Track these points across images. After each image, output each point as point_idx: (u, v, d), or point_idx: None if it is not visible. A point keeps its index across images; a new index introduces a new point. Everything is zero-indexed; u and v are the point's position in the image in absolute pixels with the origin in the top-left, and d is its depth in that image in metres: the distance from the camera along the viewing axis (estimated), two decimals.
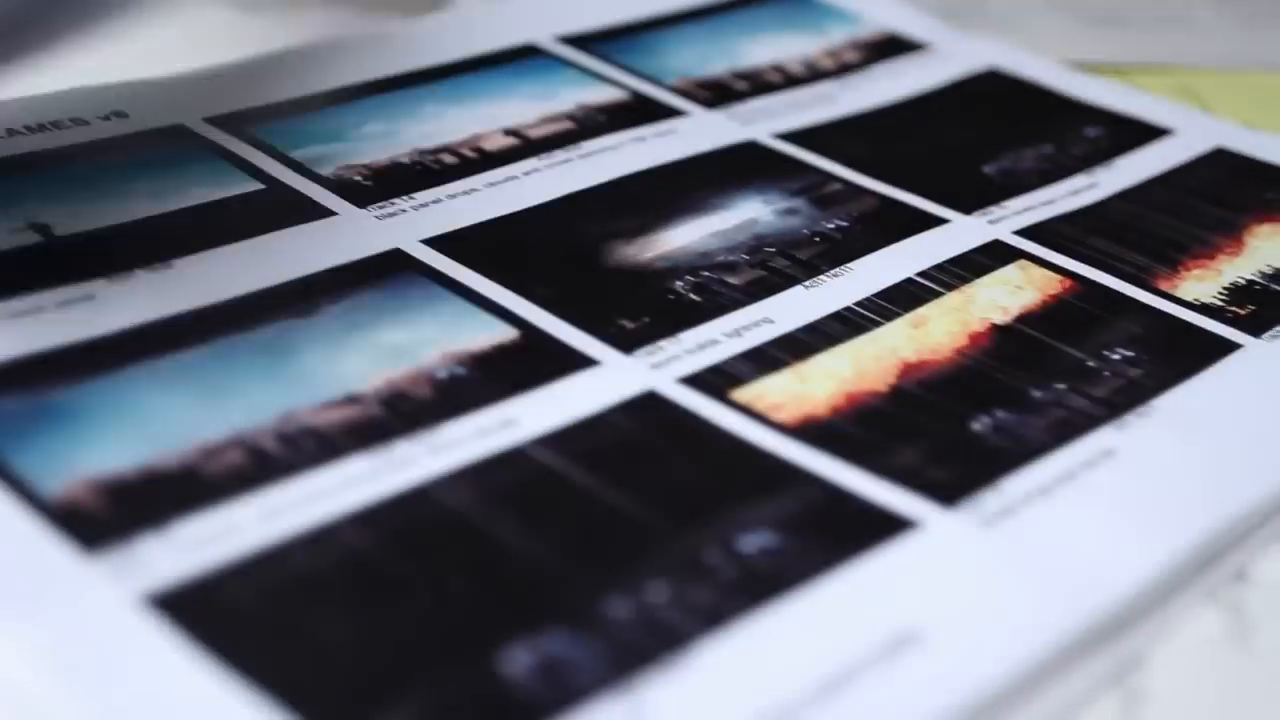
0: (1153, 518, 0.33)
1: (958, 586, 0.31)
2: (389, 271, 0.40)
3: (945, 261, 0.43)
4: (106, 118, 0.44)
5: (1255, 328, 0.41)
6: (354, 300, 0.38)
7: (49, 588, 0.29)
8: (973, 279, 0.42)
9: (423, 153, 0.45)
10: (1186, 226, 0.46)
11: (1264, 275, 0.44)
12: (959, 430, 0.36)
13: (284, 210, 0.42)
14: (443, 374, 0.36)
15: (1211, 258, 0.44)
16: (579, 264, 0.41)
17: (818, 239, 0.43)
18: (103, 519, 0.31)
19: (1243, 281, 0.43)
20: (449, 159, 0.45)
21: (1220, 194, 0.48)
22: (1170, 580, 0.32)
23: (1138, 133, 0.51)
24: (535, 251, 0.41)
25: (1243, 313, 0.42)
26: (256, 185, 0.43)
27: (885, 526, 0.32)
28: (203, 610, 0.29)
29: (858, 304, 0.40)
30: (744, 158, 0.47)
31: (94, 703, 0.27)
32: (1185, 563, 0.33)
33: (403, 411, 0.35)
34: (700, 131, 0.48)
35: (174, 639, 0.28)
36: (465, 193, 0.44)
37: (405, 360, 0.36)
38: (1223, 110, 0.55)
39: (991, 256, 0.43)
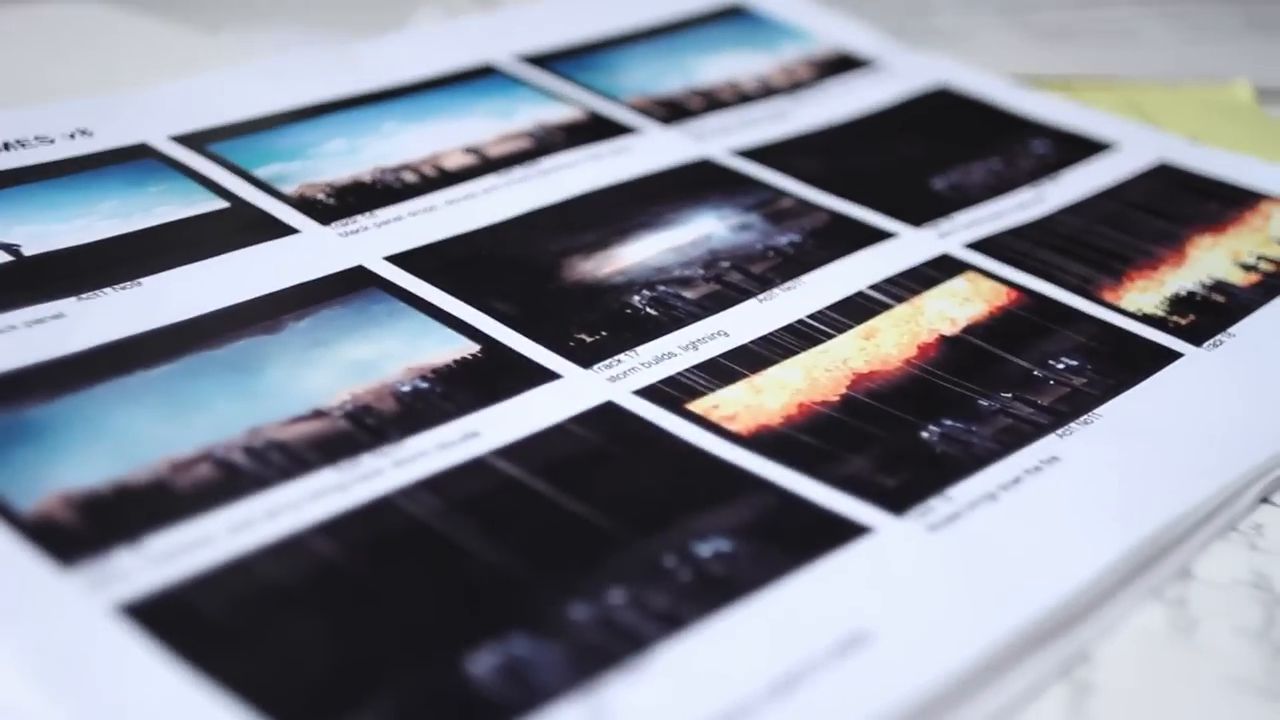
0: (1097, 520, 0.35)
1: (906, 589, 0.32)
2: (352, 288, 0.41)
3: (895, 274, 0.44)
4: (71, 135, 0.45)
5: (1195, 337, 0.42)
6: (318, 316, 0.39)
7: (26, 600, 0.30)
8: (922, 291, 0.43)
9: (384, 170, 0.46)
10: (1130, 239, 0.47)
11: (1204, 286, 0.45)
12: (908, 439, 0.37)
13: (248, 228, 0.42)
14: (406, 388, 0.37)
15: (1154, 269, 0.46)
16: (537, 279, 0.42)
17: (771, 253, 0.44)
18: (77, 533, 0.32)
19: (1184, 292, 0.45)
20: (410, 177, 0.46)
21: (1162, 207, 0.49)
22: (1115, 579, 0.33)
23: (1082, 147, 0.53)
24: (494, 267, 0.42)
25: (1184, 322, 0.43)
26: (221, 204, 0.44)
27: (837, 532, 0.34)
28: (175, 619, 0.30)
29: (810, 316, 0.41)
30: (699, 174, 0.48)
31: (71, 709, 0.28)
32: (1129, 562, 0.34)
33: (367, 425, 0.36)
34: (656, 148, 0.49)
35: (148, 647, 0.29)
36: (426, 210, 0.44)
37: (369, 375, 0.37)
38: (1167, 123, 0.56)
39: (940, 269, 0.44)
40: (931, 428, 0.37)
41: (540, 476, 0.35)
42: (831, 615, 0.31)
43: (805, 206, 0.47)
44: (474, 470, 0.35)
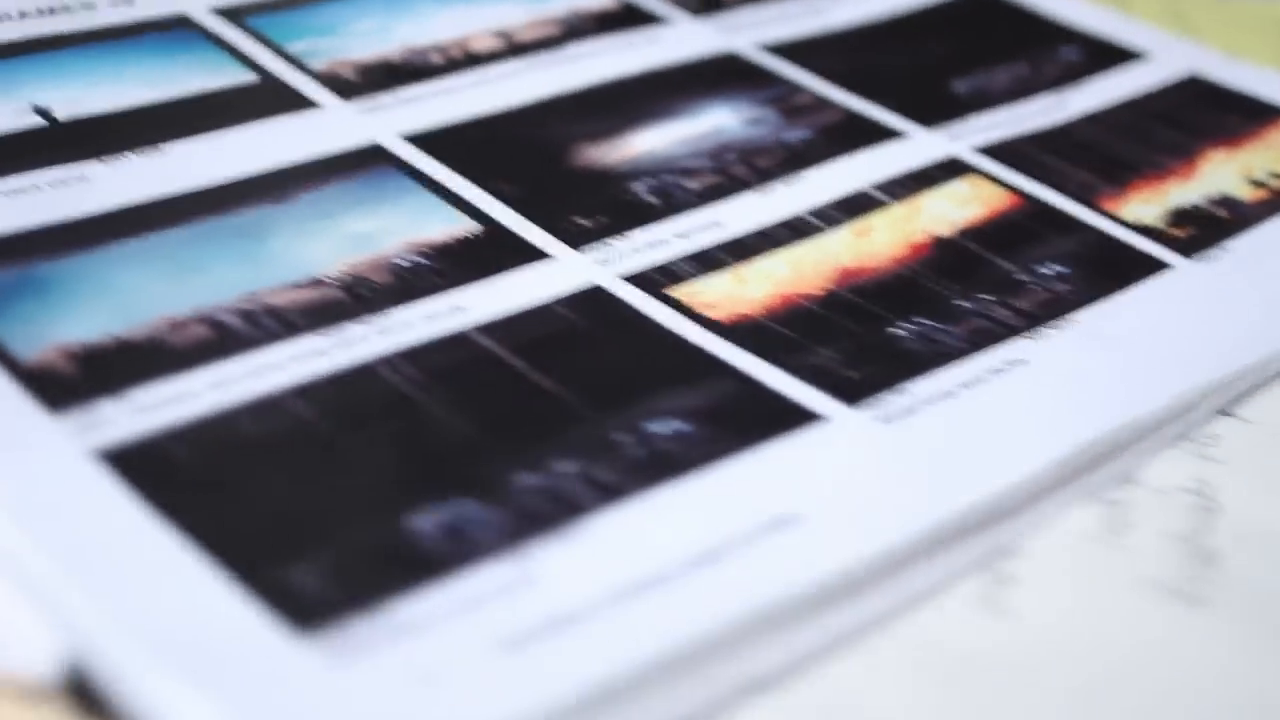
0: (1046, 422, 0.36)
1: (844, 476, 0.34)
2: (365, 164, 0.42)
3: (900, 174, 0.45)
4: (114, 3, 0.47)
5: (1188, 249, 0.43)
6: (328, 190, 0.41)
7: (15, 441, 0.32)
8: (922, 191, 0.44)
9: (413, 51, 0.47)
10: (1143, 149, 0.48)
11: (1209, 200, 0.45)
12: (878, 334, 0.38)
13: (273, 102, 0.44)
14: (403, 262, 0.39)
15: (1161, 180, 0.46)
16: (546, 163, 0.43)
17: (780, 148, 0.45)
18: (69, 381, 0.34)
19: (1187, 205, 0.45)
20: (436, 58, 0.47)
21: (1181, 119, 0.49)
22: (1053, 479, 0.35)
23: (1114, 56, 0.53)
24: (506, 150, 0.44)
25: (1181, 235, 0.44)
26: (251, 77, 0.45)
27: (788, 419, 0.35)
28: (149, 466, 0.32)
29: (807, 212, 0.43)
30: (721, 67, 0.49)
31: (46, 542, 0.30)
32: (1069, 464, 0.35)
33: (360, 295, 0.37)
34: (684, 39, 0.50)
35: (122, 490, 0.31)
36: (447, 92, 0.46)
37: (369, 247, 0.39)
38: (1209, 36, 0.56)
39: (946, 171, 0.45)
40: (904, 324, 0.39)
41: (517, 353, 0.36)
42: (766, 496, 0.33)
43: (821, 103, 0.48)
44: (454, 344, 0.36)
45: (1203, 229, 0.44)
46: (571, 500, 0.32)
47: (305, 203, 0.40)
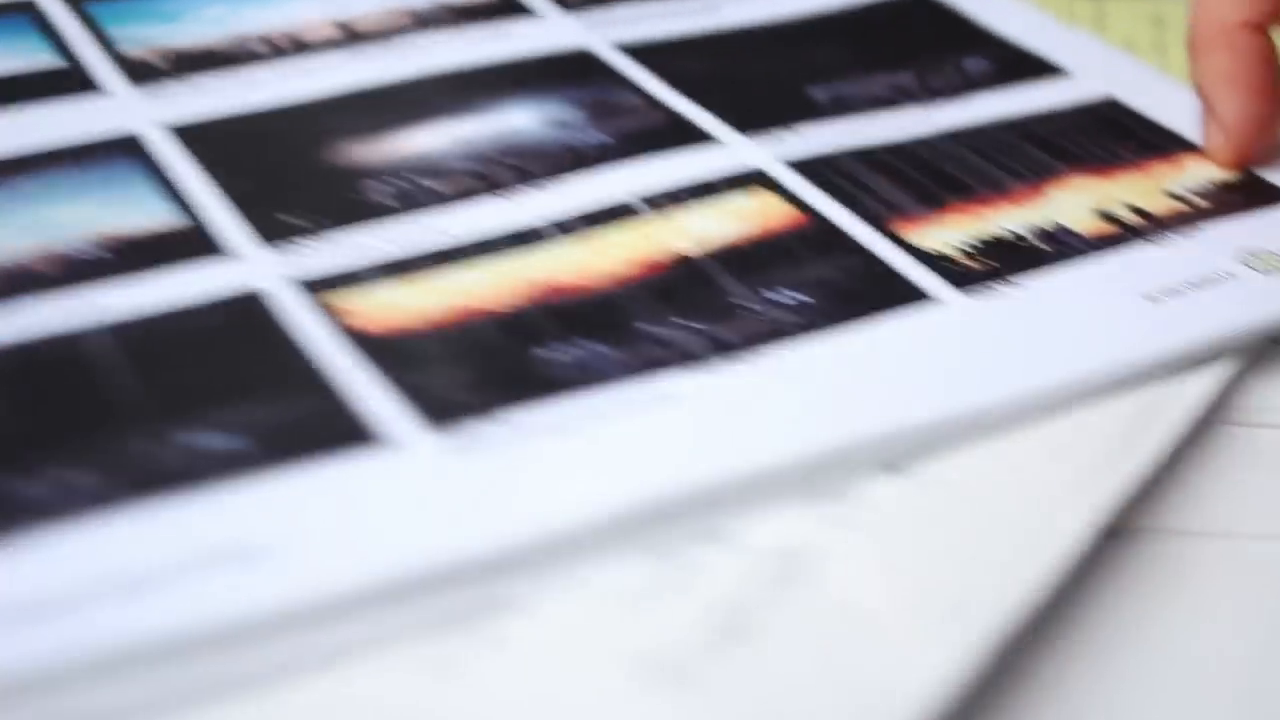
0: (635, 469, 0.32)
1: (356, 508, 0.31)
2: (111, 154, 0.41)
3: (685, 185, 0.41)
4: None
5: (969, 282, 0.38)
6: (51, 178, 0.40)
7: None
8: (694, 205, 0.41)
9: (243, 39, 0.46)
10: (992, 171, 0.43)
11: (1034, 230, 0.40)
12: (520, 357, 0.35)
13: (58, 86, 0.44)
14: (82, 255, 0.38)
15: (990, 205, 0.41)
16: (293, 160, 0.42)
17: (566, 153, 0.42)
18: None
19: (1003, 234, 0.40)
20: (261, 48, 0.46)
21: (1063, 142, 0.44)
22: (607, 531, 0.31)
23: (1028, 70, 0.48)
24: (260, 145, 0.42)
25: (974, 266, 0.39)
26: (60, 63, 0.45)
27: (354, 440, 0.32)
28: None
29: (552, 221, 0.40)
30: (561, 65, 0.46)
31: None
32: (636, 516, 0.31)
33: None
34: (539, 34, 0.48)
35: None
36: (247, 83, 0.45)
37: (57, 236, 0.38)
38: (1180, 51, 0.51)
39: (738, 184, 0.41)
40: (564, 348, 0.35)
41: (133, 357, 0.35)
42: (230, 528, 0.30)
43: (646, 107, 0.45)
44: (67, 344, 0.35)
45: (1006, 261, 0.39)
46: (43, 507, 0.30)
47: (19, 188, 0.40)
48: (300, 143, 0.42)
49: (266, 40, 0.46)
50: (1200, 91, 0.44)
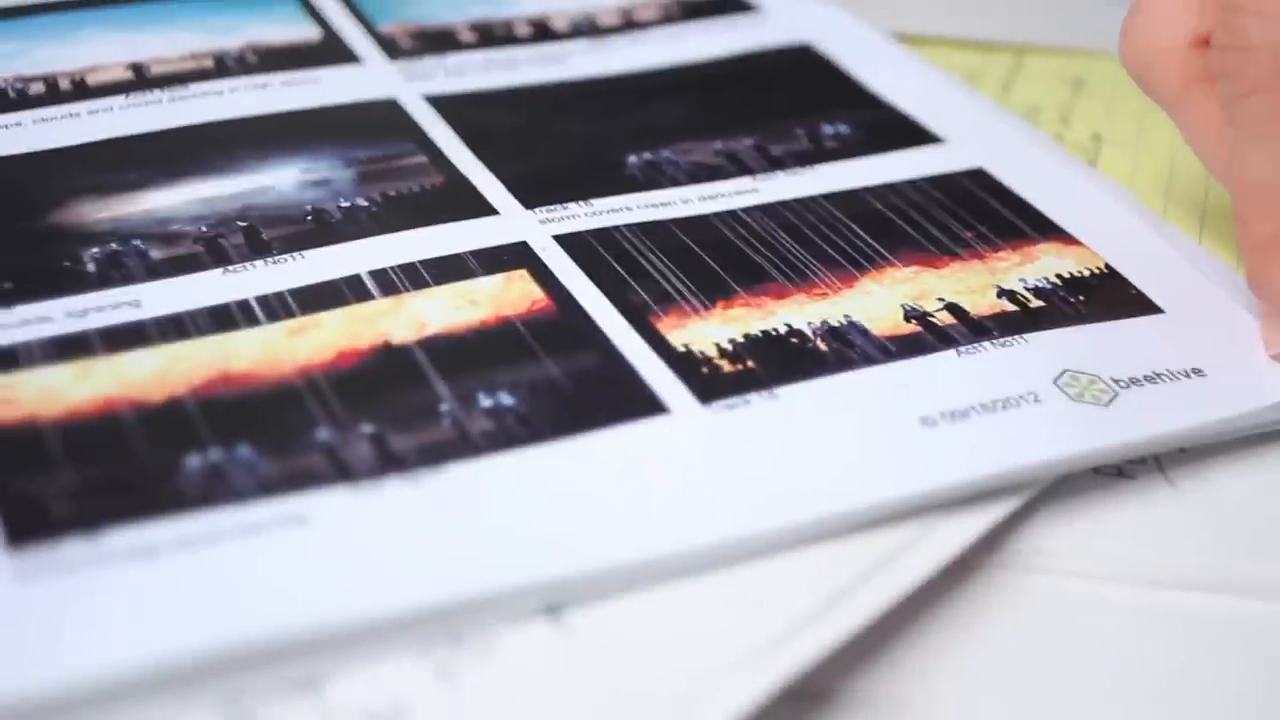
0: (214, 607, 0.28)
1: None
2: None
3: (434, 260, 0.36)
4: None
5: (717, 391, 0.33)
6: None
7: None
8: (431, 285, 0.36)
9: (21, 79, 0.42)
10: (802, 254, 0.37)
11: (819, 328, 0.35)
12: (145, 463, 0.30)
13: None
14: None
15: (781, 296, 0.36)
16: (14, 218, 0.37)
17: (308, 218, 0.38)
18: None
19: (780, 330, 0.35)
20: (37, 88, 0.42)
21: (894, 224, 0.39)
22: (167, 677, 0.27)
23: (900, 137, 0.42)
24: None
25: (730, 368, 0.34)
26: None
27: None
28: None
29: (262, 297, 0.35)
30: (356, 116, 0.42)
31: None
32: (209, 665, 0.27)
33: None
34: (350, 83, 0.43)
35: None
36: (4, 126, 0.41)
37: None
38: (1108, 102, 0.45)
39: (497, 262, 0.36)
40: (207, 452, 0.31)
41: None
42: None
43: (428, 168, 0.40)
44: None
45: (772, 365, 0.34)
46: None
47: None
48: (29, 199, 0.38)
49: (47, 80, 0.42)
50: (1256, 289, 0.34)
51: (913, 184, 0.40)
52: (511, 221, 0.38)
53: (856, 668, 0.29)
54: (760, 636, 0.29)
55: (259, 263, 0.36)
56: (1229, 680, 0.30)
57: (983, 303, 0.36)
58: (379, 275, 0.36)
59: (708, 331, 0.35)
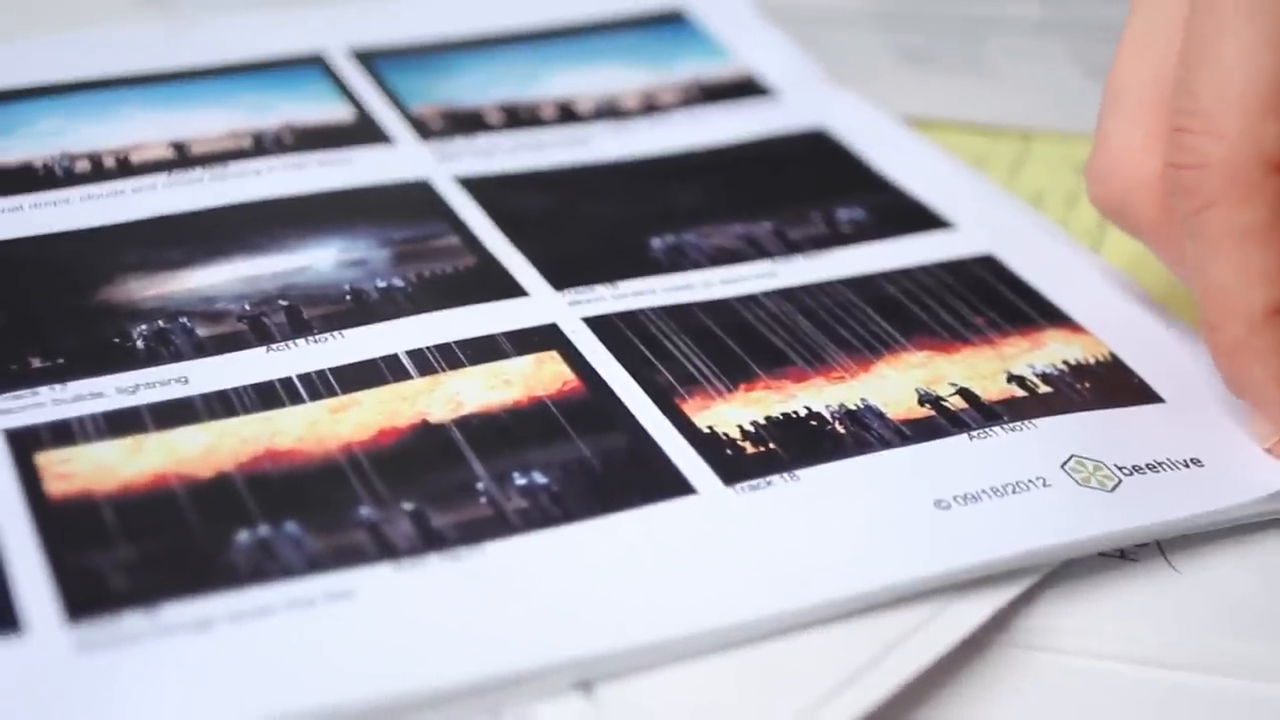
0: (251, 683, 0.29)
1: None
2: None
3: (469, 340, 0.38)
4: None
5: (740, 470, 0.35)
6: None
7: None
8: (472, 364, 0.37)
9: (64, 156, 0.44)
10: (821, 339, 0.39)
11: (836, 411, 0.37)
12: (197, 538, 0.32)
13: None
14: None
15: (801, 379, 0.38)
16: (65, 294, 0.39)
17: (347, 297, 0.39)
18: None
19: (801, 414, 0.36)
20: (82, 166, 0.44)
21: (911, 309, 0.40)
22: None
23: (910, 219, 0.44)
24: (36, 274, 0.40)
25: (757, 451, 0.35)
26: None
27: None
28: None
29: (305, 375, 0.37)
30: (390, 197, 0.43)
31: None
32: None
33: None
34: (383, 164, 0.45)
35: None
36: (51, 203, 0.42)
37: None
38: None
39: (529, 343, 0.38)
40: (259, 527, 0.32)
41: None
42: None
43: (462, 249, 0.41)
44: None
45: (794, 447, 0.35)
46: None
47: None
48: (79, 275, 0.40)
49: (91, 157, 0.44)
50: (1235, 391, 0.36)
51: (925, 269, 0.42)
52: (541, 303, 0.39)
53: None
54: (781, 712, 0.30)
55: (301, 341, 0.38)
56: None
57: (993, 388, 0.38)
58: (416, 355, 0.37)
59: (730, 413, 0.36)
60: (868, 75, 0.52)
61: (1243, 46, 0.32)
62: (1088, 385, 0.38)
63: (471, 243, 0.42)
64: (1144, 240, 0.38)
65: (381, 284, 0.40)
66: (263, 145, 0.45)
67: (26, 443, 0.34)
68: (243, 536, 0.32)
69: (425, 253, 0.41)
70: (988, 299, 0.41)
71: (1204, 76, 0.33)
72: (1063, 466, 0.35)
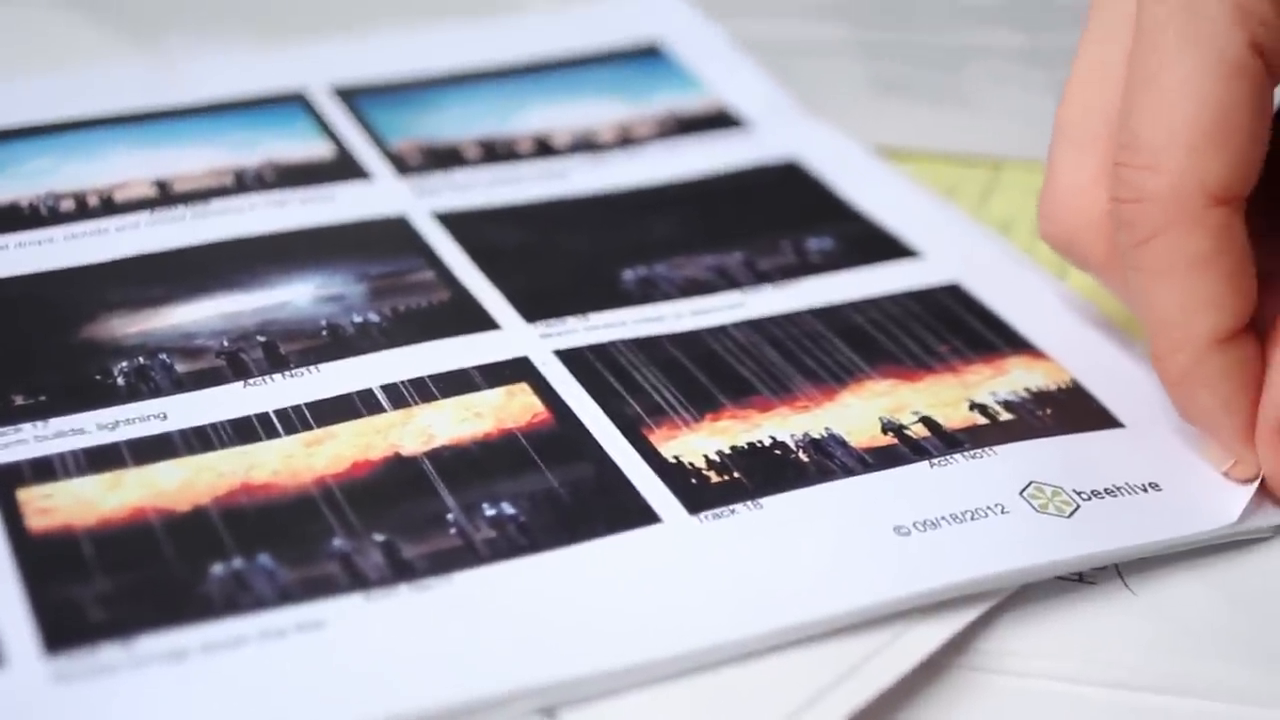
0: (219, 713, 0.30)
1: None
2: None
3: (437, 374, 0.39)
4: None
5: (704, 498, 0.35)
6: None
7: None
8: (444, 397, 0.38)
9: (49, 195, 0.45)
10: (786, 368, 0.40)
11: (800, 440, 0.37)
12: (172, 572, 0.33)
13: None
14: None
15: (766, 408, 0.38)
16: (51, 332, 0.40)
17: (323, 332, 0.40)
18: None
19: (765, 443, 0.37)
20: (67, 205, 0.45)
21: (875, 338, 0.41)
22: None
23: (879, 249, 0.45)
24: (19, 312, 0.40)
25: (720, 479, 0.36)
26: None
27: None
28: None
29: (277, 411, 0.38)
30: (368, 233, 0.44)
31: None
32: None
33: None
34: (361, 200, 0.46)
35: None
36: (36, 242, 0.43)
37: None
38: None
39: (500, 375, 0.39)
40: (233, 560, 0.33)
41: None
42: None
43: (436, 284, 0.42)
44: None
45: (757, 476, 0.36)
46: None
47: None
48: (58, 313, 0.41)
49: (76, 196, 0.45)
50: (1187, 417, 0.36)
51: (892, 298, 0.43)
52: (513, 336, 0.40)
53: None
54: None
55: (277, 376, 0.39)
56: None
57: (955, 415, 0.38)
58: (389, 389, 0.38)
59: (697, 443, 0.37)
60: (844, 105, 0.53)
61: (1182, 79, 0.33)
62: (1049, 411, 0.39)
63: (446, 277, 0.43)
64: (1095, 274, 0.38)
65: (358, 319, 0.41)
66: (244, 182, 0.46)
67: (8, 479, 0.35)
68: (217, 569, 0.33)
69: (400, 287, 0.42)
70: (953, 327, 0.42)
71: (1145, 110, 0.33)
72: (1021, 493, 0.36)
